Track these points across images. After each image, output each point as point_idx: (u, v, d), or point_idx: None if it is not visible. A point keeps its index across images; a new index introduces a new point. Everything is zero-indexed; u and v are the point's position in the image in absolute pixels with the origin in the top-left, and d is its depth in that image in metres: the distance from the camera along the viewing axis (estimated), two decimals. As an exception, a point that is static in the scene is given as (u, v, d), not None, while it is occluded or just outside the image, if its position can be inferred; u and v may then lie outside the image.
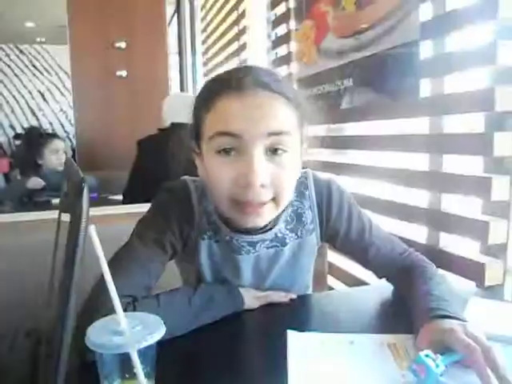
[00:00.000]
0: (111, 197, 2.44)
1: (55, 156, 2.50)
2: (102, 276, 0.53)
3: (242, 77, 0.69)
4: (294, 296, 0.88)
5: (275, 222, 0.83)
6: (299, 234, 0.87)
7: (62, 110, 7.60)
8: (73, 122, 4.09)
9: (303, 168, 0.85)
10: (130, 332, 0.54)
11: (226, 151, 0.68)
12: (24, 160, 3.09)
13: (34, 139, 2.56)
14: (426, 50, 1.17)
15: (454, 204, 1.15)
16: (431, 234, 1.20)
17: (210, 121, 0.71)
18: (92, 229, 0.54)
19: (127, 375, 0.55)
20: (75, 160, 3.43)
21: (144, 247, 0.78)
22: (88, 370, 0.56)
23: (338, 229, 0.89)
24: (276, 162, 0.69)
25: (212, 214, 0.83)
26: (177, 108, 1.96)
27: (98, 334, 0.54)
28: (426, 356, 0.56)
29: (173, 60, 4.14)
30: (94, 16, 3.17)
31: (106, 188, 2.55)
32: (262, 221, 0.74)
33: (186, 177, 0.85)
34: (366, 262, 0.95)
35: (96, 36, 3.17)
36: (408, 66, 1.20)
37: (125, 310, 0.72)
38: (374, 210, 1.40)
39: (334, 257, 1.57)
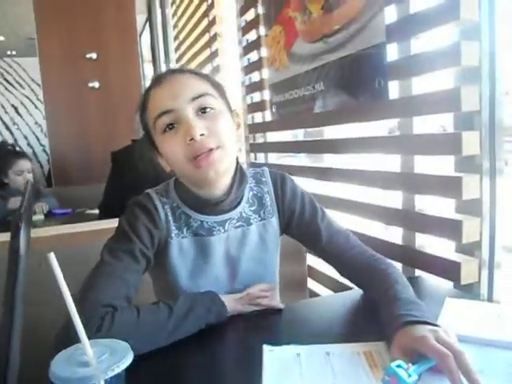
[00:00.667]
0: (89, 211, 2.40)
1: (20, 177, 2.42)
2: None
3: (159, 75, 0.88)
4: (280, 306, 0.90)
5: (238, 200, 0.92)
6: (262, 215, 0.96)
7: (36, 122, 7.46)
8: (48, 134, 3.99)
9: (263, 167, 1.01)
10: (96, 362, 0.53)
11: (169, 127, 0.82)
12: None
13: (3, 156, 2.48)
14: (392, 52, 1.18)
15: (430, 204, 1.16)
16: (407, 235, 1.20)
17: (149, 115, 0.86)
18: (52, 257, 0.53)
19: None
20: (50, 174, 3.37)
21: (116, 260, 0.81)
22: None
23: (293, 211, 0.97)
24: (207, 117, 0.83)
25: (177, 208, 0.90)
26: None
27: (62, 367, 0.52)
28: (398, 366, 0.56)
29: (148, 69, 4.13)
30: (62, 27, 3.12)
31: (83, 202, 2.51)
32: (218, 166, 0.82)
33: (148, 189, 0.94)
34: (319, 250, 0.99)
35: (66, 47, 3.12)
36: (376, 68, 1.21)
37: (103, 321, 0.71)
38: (349, 212, 1.41)
39: (313, 260, 1.56)
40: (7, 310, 0.37)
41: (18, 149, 2.77)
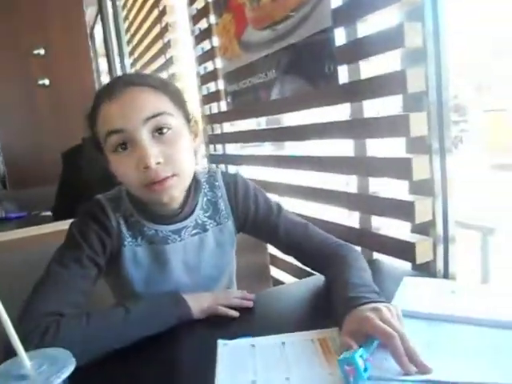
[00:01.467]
0: (44, 213, 2.31)
1: None
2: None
3: (112, 84, 0.80)
4: (250, 304, 0.88)
5: (192, 208, 0.90)
6: (217, 220, 0.94)
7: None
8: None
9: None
10: (34, 374, 0.50)
11: (121, 147, 0.77)
12: None
13: None
14: (340, 36, 1.18)
15: (384, 186, 1.17)
16: (363, 218, 1.21)
17: (99, 129, 0.80)
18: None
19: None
20: (5, 177, 3.24)
21: (62, 268, 0.78)
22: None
23: (247, 212, 0.96)
24: (164, 140, 0.77)
25: (131, 216, 0.87)
26: None
27: (-3, 382, 0.49)
28: (360, 357, 0.56)
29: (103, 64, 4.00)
30: (4, 24, 2.97)
31: (39, 204, 2.42)
32: (173, 191, 0.79)
33: (98, 195, 0.90)
34: (278, 243, 1.00)
35: (11, 44, 2.98)
36: (325, 53, 1.21)
37: (48, 328, 0.68)
38: (308, 199, 1.41)
39: (275, 249, 1.56)
40: None
41: None
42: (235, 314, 0.82)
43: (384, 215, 1.13)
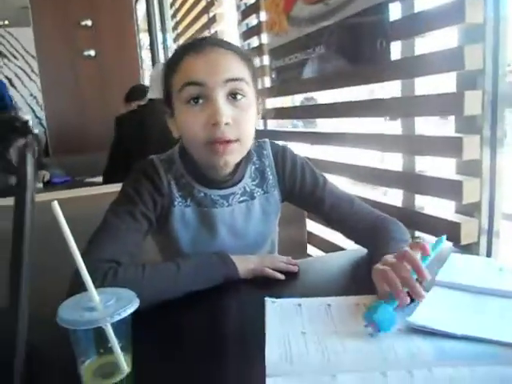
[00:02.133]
0: (88, 179, 2.39)
1: None
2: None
3: (200, 41, 0.83)
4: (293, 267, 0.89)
5: (241, 175, 0.93)
6: (265, 188, 0.96)
7: (31, 94, 7.37)
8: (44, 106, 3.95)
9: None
10: (102, 307, 0.53)
11: (194, 100, 0.79)
12: None
13: (7, 132, 2.42)
14: (395, 11, 1.16)
15: (429, 166, 1.16)
16: (407, 197, 1.21)
17: (178, 78, 0.81)
18: (55, 205, 0.53)
19: (102, 350, 0.54)
20: (47, 145, 3.35)
21: (118, 220, 0.82)
22: (62, 348, 0.55)
23: (294, 182, 0.97)
24: (236, 105, 0.80)
25: (182, 178, 0.90)
26: (155, 83, 1.92)
27: (69, 311, 0.53)
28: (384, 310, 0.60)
29: (144, 39, 4.04)
30: (56, -7, 3.04)
31: (82, 171, 2.50)
32: (231, 158, 0.82)
33: (151, 156, 0.92)
34: (322, 215, 1.00)
35: (60, 15, 3.06)
36: (378, 28, 1.19)
37: (107, 273, 0.72)
38: (350, 176, 1.41)
39: (313, 226, 1.58)
40: (14, 272, 0.37)
41: (30, 126, 2.66)
42: (281, 276, 0.84)
43: (430, 194, 1.12)
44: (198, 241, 0.91)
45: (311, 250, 1.63)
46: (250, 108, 0.82)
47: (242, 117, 0.80)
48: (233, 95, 0.79)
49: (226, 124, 0.77)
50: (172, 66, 0.83)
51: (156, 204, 0.87)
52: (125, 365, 0.55)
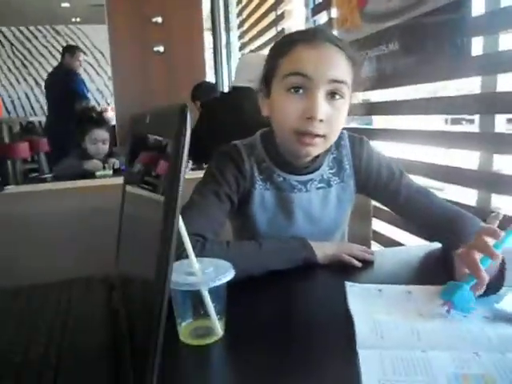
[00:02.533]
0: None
1: (94, 146, 2.50)
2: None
3: (314, 32, 0.85)
4: (372, 258, 0.89)
5: (320, 163, 0.95)
6: (341, 177, 0.98)
7: (98, 89, 7.72)
8: (109, 101, 4.13)
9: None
10: (201, 273, 0.57)
11: (295, 89, 0.81)
12: (68, 141, 3.11)
13: (83, 122, 2.56)
14: (477, 6, 1.14)
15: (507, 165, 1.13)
16: (482, 196, 1.18)
17: (286, 63, 0.83)
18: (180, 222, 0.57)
19: (202, 312, 0.58)
20: (115, 137, 3.51)
21: (204, 199, 0.87)
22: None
23: (370, 174, 0.98)
24: (332, 104, 0.82)
25: (263, 162, 0.93)
26: (241, 70, 1.98)
27: (173, 274, 0.57)
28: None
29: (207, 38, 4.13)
30: (130, -9, 3.19)
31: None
32: (313, 150, 0.86)
33: (235, 141, 0.96)
34: (397, 208, 1.00)
35: (133, 12, 3.20)
36: (459, 23, 1.17)
37: (195, 246, 0.77)
38: (425, 175, 1.39)
39: (377, 224, 1.57)
40: (163, 245, 0.41)
41: (105, 116, 2.79)
42: (358, 264, 0.85)
43: (508, 193, 1.09)
44: (274, 224, 0.94)
45: (375, 248, 1.62)
46: (343, 108, 0.84)
47: (335, 116, 0.82)
48: (332, 94, 0.82)
49: (320, 120, 0.80)
50: (281, 48, 0.85)
51: (239, 186, 0.91)
52: (219, 328, 0.59)
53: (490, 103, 1.14)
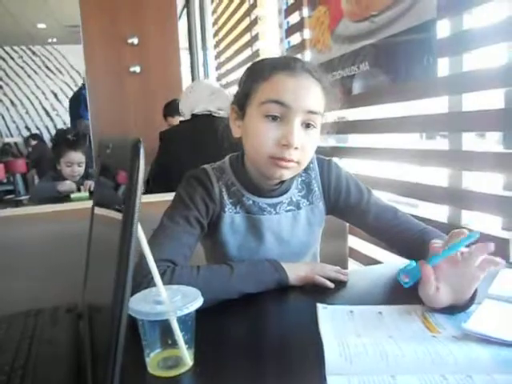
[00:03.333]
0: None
1: (69, 168, 2.48)
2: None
3: (294, 61, 0.85)
4: (345, 279, 0.90)
5: (288, 186, 0.96)
6: (310, 199, 0.99)
7: (75, 109, 7.59)
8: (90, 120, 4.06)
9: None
10: (169, 301, 0.57)
11: (272, 117, 0.83)
12: (43, 161, 3.07)
13: (59, 144, 2.54)
14: (443, 28, 1.17)
15: (475, 182, 1.16)
16: (453, 213, 1.20)
17: (264, 89, 0.84)
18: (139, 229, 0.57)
19: (170, 342, 0.57)
20: (92, 157, 3.48)
21: (174, 224, 0.86)
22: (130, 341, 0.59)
23: (339, 195, 1.00)
24: (306, 133, 0.85)
25: (232, 186, 0.94)
26: (198, 97, 1.98)
27: (139, 303, 0.56)
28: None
29: (184, 57, 4.16)
30: (105, 13, 3.18)
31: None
32: (287, 173, 0.87)
33: (204, 165, 0.97)
34: (367, 228, 1.02)
35: (108, 32, 3.19)
36: (425, 45, 1.21)
37: (165, 272, 0.76)
38: (395, 192, 1.41)
39: (354, 242, 1.58)
40: (120, 271, 0.41)
41: (88, 138, 2.76)
42: (331, 285, 0.85)
43: (477, 210, 1.12)
44: (244, 246, 0.94)
45: (352, 265, 1.63)
46: (316, 136, 0.87)
47: (308, 144, 0.85)
48: (306, 124, 0.84)
49: (295, 148, 0.82)
50: (260, 73, 0.85)
51: (208, 209, 0.91)
52: (188, 358, 0.58)
53: (456, 122, 1.17)
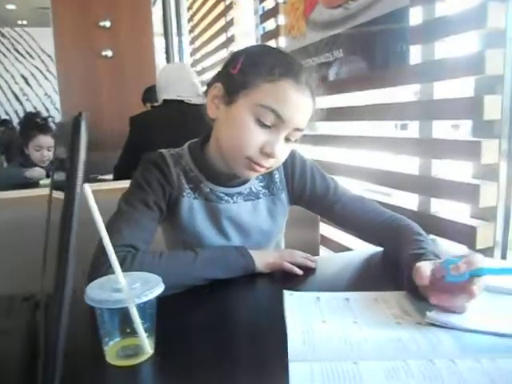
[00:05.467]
0: (101, 177, 2.42)
1: (38, 152, 2.39)
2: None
3: (300, 70, 0.81)
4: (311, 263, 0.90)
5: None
6: (271, 190, 0.97)
7: (46, 94, 7.43)
8: (57, 106, 4.00)
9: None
10: (128, 289, 0.55)
11: (264, 123, 0.79)
12: (12, 147, 2.96)
13: (27, 128, 2.44)
14: (415, 16, 1.17)
15: (445, 170, 1.16)
16: (422, 201, 1.21)
17: (268, 92, 0.79)
18: (87, 187, 0.54)
19: (129, 330, 0.55)
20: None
21: (132, 208, 0.84)
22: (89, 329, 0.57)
23: (303, 187, 0.98)
24: (286, 145, 0.84)
25: (190, 172, 0.91)
26: (170, 83, 1.93)
27: (96, 291, 0.54)
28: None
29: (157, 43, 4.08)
30: (76, -6, 3.10)
31: (96, 169, 2.53)
32: (254, 175, 0.88)
33: (161, 149, 0.94)
34: (334, 219, 1.02)
35: (79, 15, 3.10)
36: (397, 33, 1.20)
37: (125, 258, 0.74)
38: (366, 179, 1.42)
39: (326, 229, 1.58)
40: (61, 257, 0.38)
41: (51, 123, 2.67)
42: (299, 271, 0.85)
43: (446, 198, 1.13)
44: (204, 234, 0.91)
45: (323, 252, 1.63)
46: (292, 147, 0.87)
47: (285, 155, 0.85)
48: (290, 137, 0.83)
49: (274, 157, 0.82)
50: (266, 70, 0.79)
51: (165, 193, 0.88)
52: (148, 346, 0.56)
53: (427, 110, 1.17)
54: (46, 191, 1.50)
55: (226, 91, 0.83)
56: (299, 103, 0.80)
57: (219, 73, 0.88)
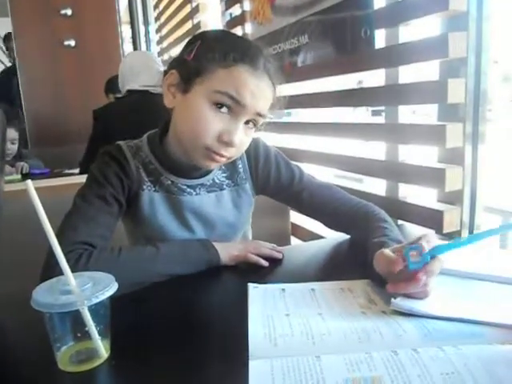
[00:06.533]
0: (67, 171, 2.35)
1: None
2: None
3: (256, 55, 0.78)
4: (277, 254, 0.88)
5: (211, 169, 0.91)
6: (235, 181, 0.95)
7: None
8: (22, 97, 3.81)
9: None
10: (79, 290, 0.51)
11: (221, 106, 0.77)
12: None
13: None
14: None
15: (410, 156, 1.16)
16: (390, 186, 1.21)
17: (222, 78, 0.76)
18: (29, 184, 0.51)
19: (80, 335, 0.52)
20: (27, 138, 3.27)
21: (88, 204, 0.80)
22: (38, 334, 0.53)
23: (268, 176, 0.96)
24: (246, 132, 0.81)
25: (150, 164, 0.87)
26: (134, 72, 1.87)
27: (44, 295, 0.51)
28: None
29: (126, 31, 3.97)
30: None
31: (61, 163, 2.46)
32: (215, 166, 0.84)
33: (119, 141, 0.90)
34: (301, 208, 1.00)
35: (38, 3, 2.97)
36: (362, 17, 1.18)
37: (80, 256, 0.71)
38: (335, 166, 1.41)
39: (296, 217, 1.57)
40: None
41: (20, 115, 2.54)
42: (265, 263, 0.83)
43: (413, 183, 1.13)
44: (167, 228, 0.88)
45: (295, 241, 1.62)
46: (252, 134, 0.83)
47: (245, 142, 0.82)
48: (250, 123, 0.80)
49: (233, 146, 0.78)
50: (219, 56, 0.77)
51: (124, 186, 0.85)
52: (103, 350, 0.53)
53: (392, 95, 1.16)
54: (9, 187, 1.44)
55: (182, 79, 0.79)
56: (258, 88, 0.77)
57: (175, 59, 0.84)
